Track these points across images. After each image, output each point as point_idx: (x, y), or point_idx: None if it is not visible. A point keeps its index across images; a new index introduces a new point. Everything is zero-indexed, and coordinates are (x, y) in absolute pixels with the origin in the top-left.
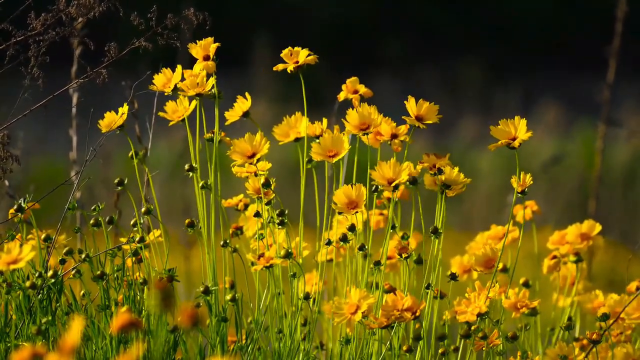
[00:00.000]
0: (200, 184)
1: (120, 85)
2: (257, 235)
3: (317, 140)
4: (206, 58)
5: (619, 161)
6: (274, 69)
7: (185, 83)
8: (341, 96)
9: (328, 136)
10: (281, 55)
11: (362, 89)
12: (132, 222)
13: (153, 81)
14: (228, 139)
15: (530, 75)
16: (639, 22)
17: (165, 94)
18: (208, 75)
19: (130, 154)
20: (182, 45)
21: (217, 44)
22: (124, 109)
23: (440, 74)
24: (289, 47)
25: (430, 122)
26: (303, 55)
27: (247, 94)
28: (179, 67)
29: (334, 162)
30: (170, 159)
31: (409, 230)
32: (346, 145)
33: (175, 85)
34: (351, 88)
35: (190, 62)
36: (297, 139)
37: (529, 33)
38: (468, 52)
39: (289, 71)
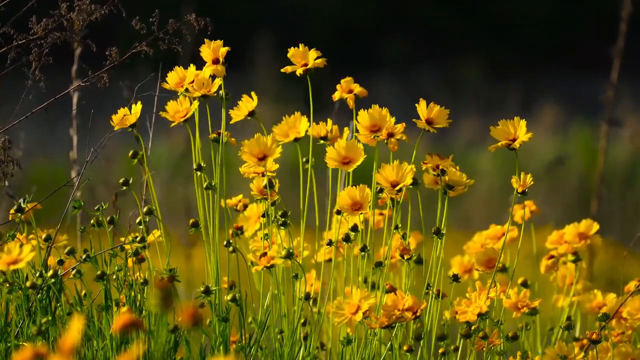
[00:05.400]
0: (205, 184)
1: (121, 87)
2: (257, 236)
3: (326, 142)
4: (215, 61)
5: (620, 161)
6: (282, 70)
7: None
8: (336, 96)
9: (343, 142)
10: (288, 55)
11: (357, 88)
12: (137, 221)
13: (166, 79)
14: (234, 139)
15: (530, 75)
16: (638, 21)
17: (179, 93)
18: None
19: (130, 154)
20: (183, 49)
21: (227, 47)
22: (137, 108)
23: (440, 74)
24: (297, 46)
25: (440, 126)
26: (312, 57)
27: (253, 93)
28: (191, 67)
29: (349, 170)
30: (172, 159)
31: (408, 229)
32: (362, 152)
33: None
34: (346, 87)
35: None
36: (296, 139)
37: (529, 33)
38: (468, 52)
39: (297, 74)
